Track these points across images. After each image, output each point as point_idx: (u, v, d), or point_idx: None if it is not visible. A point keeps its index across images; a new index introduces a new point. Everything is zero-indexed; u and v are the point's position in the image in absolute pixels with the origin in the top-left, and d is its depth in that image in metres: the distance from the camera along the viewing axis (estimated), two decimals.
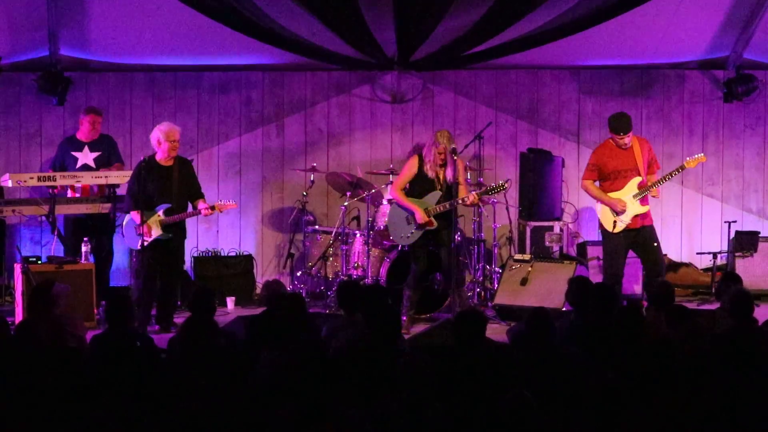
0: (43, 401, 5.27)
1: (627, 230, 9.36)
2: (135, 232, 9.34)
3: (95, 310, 9.50)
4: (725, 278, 8.50)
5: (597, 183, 9.49)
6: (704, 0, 10.85)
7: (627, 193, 9.34)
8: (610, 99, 11.73)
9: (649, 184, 9.36)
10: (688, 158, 9.55)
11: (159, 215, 9.36)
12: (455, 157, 9.31)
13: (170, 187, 9.43)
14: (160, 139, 9.43)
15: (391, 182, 10.60)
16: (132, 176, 9.51)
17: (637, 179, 9.35)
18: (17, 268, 9.45)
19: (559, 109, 11.74)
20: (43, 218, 10.27)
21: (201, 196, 9.61)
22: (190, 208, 9.50)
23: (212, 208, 9.55)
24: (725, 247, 11.17)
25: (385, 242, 10.34)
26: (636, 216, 9.35)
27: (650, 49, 11.38)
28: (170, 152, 9.42)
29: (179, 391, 5.53)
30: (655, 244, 9.42)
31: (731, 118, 11.84)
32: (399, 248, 10.12)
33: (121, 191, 9.94)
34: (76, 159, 10.44)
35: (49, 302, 7.41)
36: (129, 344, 6.71)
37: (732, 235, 11.01)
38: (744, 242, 10.96)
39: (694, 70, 11.79)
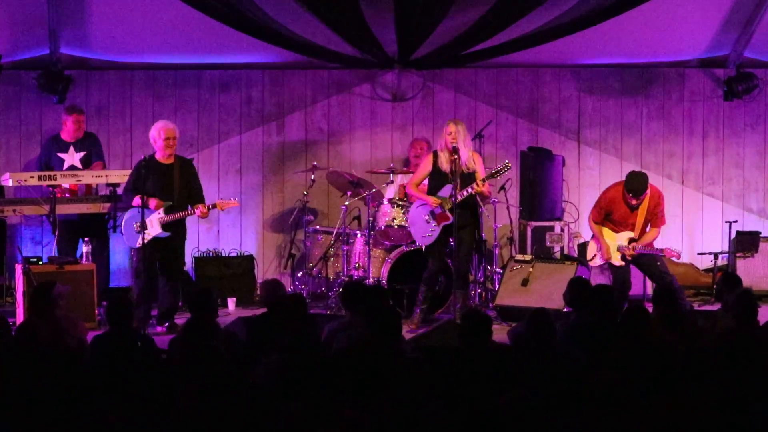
0: (43, 402, 5.26)
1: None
2: (134, 230, 9.32)
3: (96, 311, 9.50)
4: (725, 279, 8.51)
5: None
6: None
7: (617, 240, 9.52)
8: (610, 97, 11.73)
9: (630, 246, 9.40)
10: (673, 249, 9.51)
11: (159, 212, 9.35)
12: (470, 153, 9.29)
13: (171, 185, 9.40)
14: (155, 137, 9.42)
15: (391, 181, 10.62)
16: (131, 174, 9.49)
17: (628, 234, 9.47)
18: (18, 269, 9.45)
19: (559, 108, 11.74)
20: (44, 218, 10.26)
21: (201, 200, 9.53)
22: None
23: (213, 206, 9.52)
24: (726, 247, 11.17)
25: (386, 242, 10.33)
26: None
27: (651, 47, 11.38)
28: (166, 150, 9.39)
29: (180, 392, 5.52)
30: (658, 264, 9.50)
31: (731, 116, 11.83)
32: (401, 248, 10.14)
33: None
34: (62, 160, 10.41)
35: (50, 303, 7.42)
36: (130, 345, 6.72)
37: (733, 235, 11.00)
38: (745, 242, 10.95)
39: (695, 69, 11.78)
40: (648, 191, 9.40)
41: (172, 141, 9.42)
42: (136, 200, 9.26)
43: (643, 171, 9.79)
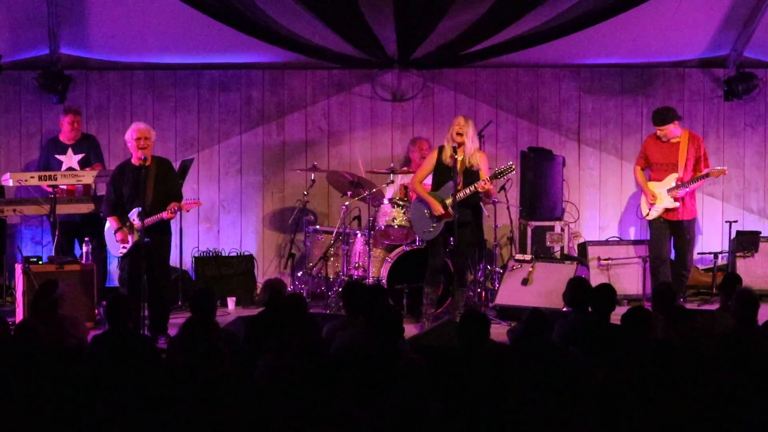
0: (43, 402, 5.26)
1: (667, 220, 10.03)
2: (115, 240, 9.19)
3: (96, 310, 9.49)
4: (725, 279, 8.51)
5: (647, 171, 10.21)
6: None
7: (664, 186, 10.02)
8: (610, 97, 11.72)
9: (677, 184, 9.94)
10: (715, 167, 10.19)
11: (132, 221, 9.09)
12: (475, 149, 9.26)
13: (144, 188, 8.98)
14: (128, 138, 9.19)
15: (392, 181, 10.63)
16: (109, 180, 9.35)
17: (675, 175, 9.99)
18: (18, 269, 9.45)
19: (559, 108, 11.73)
20: (44, 218, 10.25)
21: (177, 199, 9.19)
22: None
23: (179, 207, 9.14)
24: (726, 247, 11.16)
25: (385, 242, 10.33)
26: (670, 210, 10.02)
27: (651, 47, 11.36)
28: (138, 151, 9.05)
29: (180, 392, 5.53)
30: (688, 237, 10.07)
31: (732, 116, 11.81)
32: (401, 248, 10.13)
33: None
34: (60, 162, 10.38)
35: (52, 303, 7.42)
36: (129, 344, 6.72)
37: (733, 234, 10.99)
38: (745, 242, 10.94)
39: (695, 69, 11.77)
40: (674, 123, 9.99)
41: (143, 141, 9.05)
42: (113, 222, 9.16)
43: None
